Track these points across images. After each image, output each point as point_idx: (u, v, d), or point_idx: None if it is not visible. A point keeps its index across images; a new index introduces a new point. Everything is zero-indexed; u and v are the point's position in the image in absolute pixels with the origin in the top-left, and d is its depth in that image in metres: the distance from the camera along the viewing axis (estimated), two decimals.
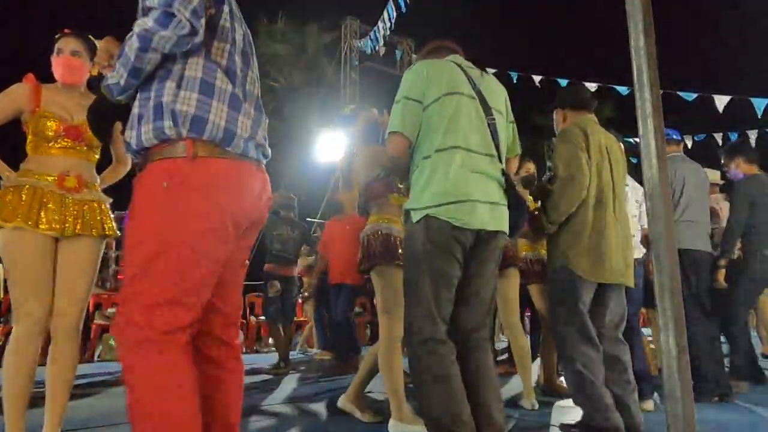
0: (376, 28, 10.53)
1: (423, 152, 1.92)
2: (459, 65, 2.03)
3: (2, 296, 6.04)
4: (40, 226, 2.07)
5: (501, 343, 6.09)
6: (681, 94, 7.99)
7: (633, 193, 3.31)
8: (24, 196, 2.08)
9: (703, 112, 8.00)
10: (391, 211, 2.74)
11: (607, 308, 2.53)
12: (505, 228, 1.96)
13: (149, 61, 1.32)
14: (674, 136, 3.77)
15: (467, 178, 1.86)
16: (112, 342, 6.08)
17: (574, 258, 2.45)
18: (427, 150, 1.90)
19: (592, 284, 2.45)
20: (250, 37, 1.57)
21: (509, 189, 2.00)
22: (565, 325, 2.45)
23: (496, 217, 1.91)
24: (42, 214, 2.08)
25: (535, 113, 18.85)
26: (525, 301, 3.76)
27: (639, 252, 3.24)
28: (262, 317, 9.16)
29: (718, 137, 9.22)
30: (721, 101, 7.69)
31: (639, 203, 3.27)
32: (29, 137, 2.20)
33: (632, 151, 3.97)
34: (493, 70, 9.18)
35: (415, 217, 1.88)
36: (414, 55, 11.97)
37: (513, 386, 3.91)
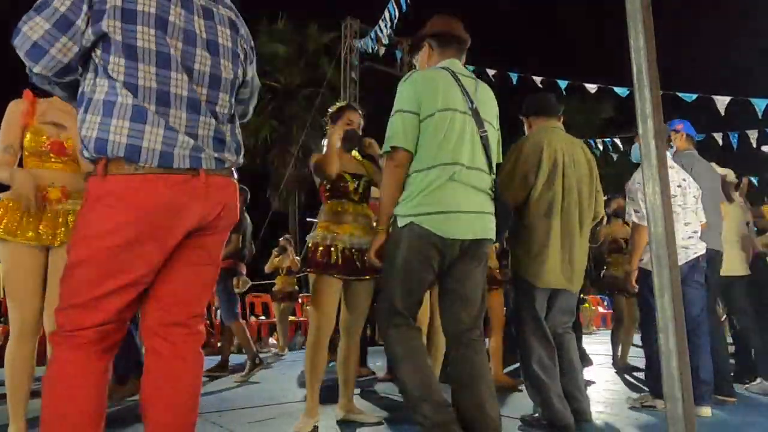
0: (376, 28, 10.52)
1: (415, 166, 2.02)
2: (454, 75, 2.09)
3: (2, 297, 6.04)
4: (28, 235, 2.16)
5: None
6: (681, 94, 7.99)
7: (690, 189, 3.26)
8: (12, 210, 2.18)
9: (703, 112, 8.00)
10: (342, 219, 2.70)
11: (556, 308, 2.76)
12: (491, 235, 2.08)
13: (59, 90, 1.49)
14: (688, 132, 3.69)
15: (455, 192, 1.99)
16: None
17: (526, 267, 2.67)
18: (419, 164, 2.01)
19: (543, 290, 2.66)
20: (196, 26, 1.47)
21: (496, 198, 2.13)
22: (524, 330, 2.67)
23: (480, 226, 2.04)
24: (30, 227, 2.17)
25: None
26: None
27: (702, 247, 3.21)
28: (263, 317, 9.20)
29: (718, 137, 9.21)
30: (721, 101, 7.69)
31: (696, 198, 3.24)
32: (24, 152, 2.28)
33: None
34: (493, 71, 9.20)
35: (401, 222, 2.00)
36: None
37: None
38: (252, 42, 1.69)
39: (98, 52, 1.37)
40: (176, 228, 1.40)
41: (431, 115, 1.98)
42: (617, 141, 10.55)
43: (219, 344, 8.62)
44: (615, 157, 11.28)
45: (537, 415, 2.68)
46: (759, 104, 7.43)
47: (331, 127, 2.80)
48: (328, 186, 2.72)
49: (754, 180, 7.54)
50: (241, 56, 1.60)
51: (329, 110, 2.90)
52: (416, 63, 2.35)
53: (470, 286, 2.06)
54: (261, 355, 6.87)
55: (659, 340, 1.07)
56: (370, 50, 11.39)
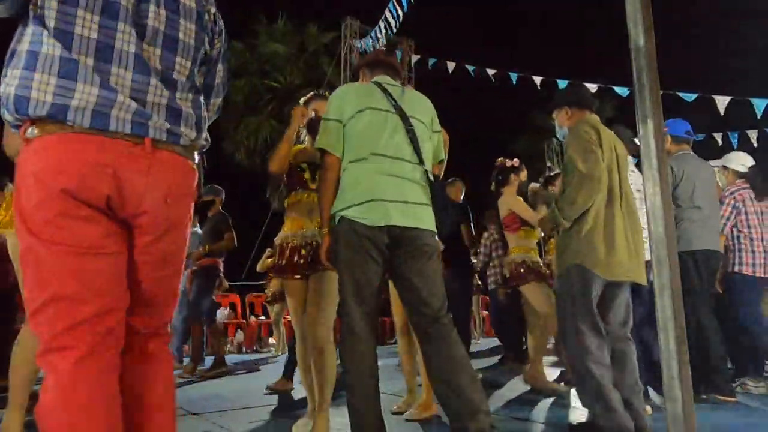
0: (376, 28, 10.52)
1: (343, 164, 2.14)
2: (379, 84, 2.22)
3: None
4: None
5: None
6: (681, 94, 8.00)
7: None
8: None
9: (703, 112, 8.00)
10: (296, 212, 2.59)
11: (614, 306, 2.55)
12: (425, 225, 2.09)
13: None
14: (682, 133, 3.69)
15: (378, 181, 2.05)
16: None
17: (587, 256, 2.45)
18: (345, 162, 2.12)
19: (602, 281, 2.45)
20: None
21: (434, 191, 2.16)
22: (578, 323, 2.43)
23: (409, 215, 2.06)
24: None
25: (535, 113, 18.88)
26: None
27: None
28: (262, 317, 9.21)
29: (718, 137, 9.21)
30: (721, 101, 7.69)
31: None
32: None
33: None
34: (493, 71, 9.21)
35: (334, 221, 2.09)
36: (414, 55, 11.96)
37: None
38: (218, 15, 1.48)
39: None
40: (118, 195, 1.19)
41: (352, 117, 2.12)
42: None
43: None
44: None
45: (588, 420, 2.44)
46: (759, 104, 7.44)
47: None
48: (288, 179, 2.62)
49: None
50: (208, 22, 1.41)
51: (300, 100, 2.78)
52: None
53: (417, 278, 2.05)
54: (261, 355, 6.84)
55: (659, 340, 1.07)
56: (371, 50, 11.37)
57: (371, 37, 11.11)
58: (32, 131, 1.16)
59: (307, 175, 2.61)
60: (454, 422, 1.95)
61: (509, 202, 3.96)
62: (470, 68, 9.43)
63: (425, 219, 2.10)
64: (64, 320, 1.14)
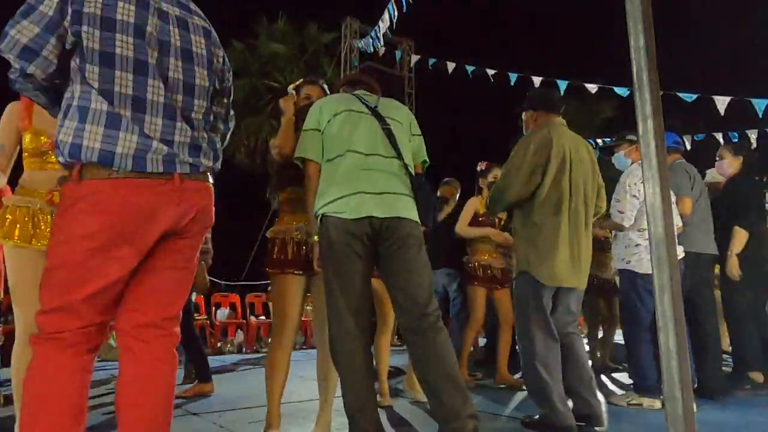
0: (376, 28, 10.52)
1: (323, 165, 2.18)
2: (356, 95, 2.30)
3: (2, 296, 6.04)
4: (34, 243, 2.18)
5: None
6: (681, 94, 7.99)
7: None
8: (20, 215, 2.21)
9: (703, 113, 8.00)
10: (296, 208, 2.48)
11: (559, 308, 2.72)
12: (406, 214, 2.08)
13: (39, 97, 1.53)
14: (671, 144, 3.76)
15: (354, 176, 2.09)
16: (112, 341, 6.08)
17: (533, 264, 2.63)
18: (323, 162, 2.18)
19: (547, 287, 2.62)
20: (172, 36, 1.51)
21: (417, 184, 2.19)
22: (529, 326, 2.61)
23: (388, 204, 2.06)
24: (36, 231, 2.20)
25: None
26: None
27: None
28: (262, 317, 9.20)
29: (719, 137, 9.21)
30: (721, 102, 7.69)
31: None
32: (23, 153, 2.29)
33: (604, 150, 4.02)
34: (493, 71, 9.20)
35: (318, 220, 2.11)
36: (414, 55, 11.94)
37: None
38: (223, 51, 1.71)
39: (77, 59, 1.40)
40: (150, 231, 1.43)
41: (329, 121, 2.18)
42: None
43: (218, 344, 8.65)
44: None
45: (538, 417, 2.63)
46: (759, 104, 7.44)
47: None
48: (284, 172, 2.50)
49: None
50: (216, 64, 1.64)
51: (289, 88, 2.69)
52: None
53: (402, 271, 2.04)
54: (261, 355, 6.85)
55: (659, 340, 1.07)
56: (371, 50, 11.38)
57: (371, 37, 11.10)
58: (82, 174, 1.39)
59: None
60: (439, 423, 1.95)
61: (466, 206, 4.29)
62: (470, 68, 9.43)
63: (405, 208, 2.10)
64: (64, 326, 1.39)
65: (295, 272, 2.39)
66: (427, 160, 2.41)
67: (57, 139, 1.41)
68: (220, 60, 1.66)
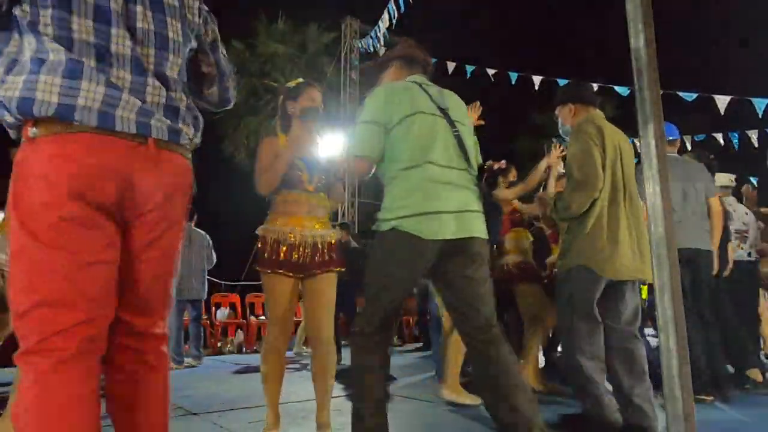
0: (376, 28, 10.53)
1: (391, 172, 2.03)
2: (419, 85, 2.14)
3: None
4: None
5: None
6: (681, 94, 8.00)
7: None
8: None
9: (703, 112, 8.00)
10: (294, 210, 2.44)
11: (622, 304, 2.55)
12: (479, 233, 2.02)
13: None
14: (669, 136, 3.72)
15: (433, 191, 1.97)
16: None
17: (591, 257, 2.46)
18: (395, 169, 2.02)
19: (605, 281, 2.47)
20: None
21: (486, 203, 2.11)
22: (574, 320, 2.47)
23: (464, 225, 1.99)
24: None
25: (535, 113, 18.87)
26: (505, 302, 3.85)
27: None
28: (262, 317, 9.21)
29: (719, 137, 9.21)
30: (721, 101, 7.69)
31: None
32: None
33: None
34: (493, 71, 9.21)
35: (383, 227, 2.00)
36: None
37: None
38: (202, 4, 1.49)
39: (23, 5, 1.18)
40: (126, 198, 1.21)
41: (400, 122, 2.02)
42: None
43: (218, 344, 8.66)
44: None
45: (581, 413, 2.48)
46: (759, 104, 7.44)
47: (291, 104, 2.53)
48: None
49: (753, 180, 7.54)
50: (192, 18, 1.42)
51: (288, 85, 2.62)
52: (381, 82, 2.32)
53: (473, 287, 2.01)
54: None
55: (659, 340, 1.07)
56: (371, 50, 11.38)
57: (371, 37, 11.10)
58: (35, 131, 1.15)
59: (305, 177, 2.48)
60: (507, 429, 1.89)
61: None
62: (470, 68, 9.43)
63: (478, 228, 2.04)
64: (53, 325, 1.13)
65: (287, 274, 2.37)
66: (480, 161, 2.27)
67: (3, 96, 1.16)
68: (195, 12, 1.43)
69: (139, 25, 1.27)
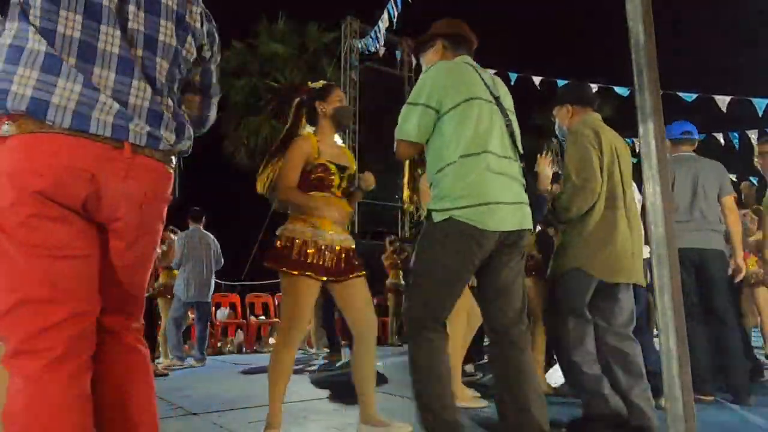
0: (376, 28, 10.53)
1: (446, 158, 1.94)
2: (474, 68, 2.06)
3: None
4: None
5: None
6: (681, 94, 8.00)
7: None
8: None
9: (703, 112, 7.99)
10: (324, 213, 2.42)
11: (618, 306, 2.54)
12: (529, 225, 1.99)
13: None
14: (678, 135, 3.68)
15: (492, 182, 1.91)
16: None
17: (587, 259, 2.46)
18: (451, 156, 1.93)
19: (595, 281, 2.46)
20: None
21: (531, 195, 2.06)
22: (567, 321, 2.47)
23: (518, 217, 1.95)
24: None
25: (535, 113, 18.87)
26: None
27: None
28: (262, 317, 9.21)
29: (719, 137, 9.21)
30: (721, 101, 7.69)
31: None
32: None
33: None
34: (493, 71, 9.20)
35: (437, 217, 1.92)
36: (414, 56, 11.94)
37: None
38: (212, 19, 1.47)
39: None
40: (95, 202, 1.19)
41: (457, 106, 1.93)
42: None
43: (218, 344, 8.66)
44: None
45: (584, 413, 2.46)
46: (759, 104, 7.44)
47: (321, 104, 2.55)
48: (312, 176, 2.45)
49: (753, 180, 7.55)
50: (192, 23, 1.38)
51: (313, 86, 2.63)
52: (423, 62, 2.26)
53: (511, 280, 1.97)
54: (261, 355, 6.82)
55: (659, 340, 1.07)
56: (371, 50, 11.38)
57: (371, 37, 11.10)
58: (7, 128, 1.13)
59: (336, 181, 2.49)
60: None
61: None
62: None
63: (529, 220, 2.01)
64: (37, 323, 1.11)
65: (316, 277, 2.38)
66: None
67: None
68: (196, 18, 1.40)
69: (130, 25, 1.25)
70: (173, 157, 1.36)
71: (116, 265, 1.28)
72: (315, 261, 2.38)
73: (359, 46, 12.31)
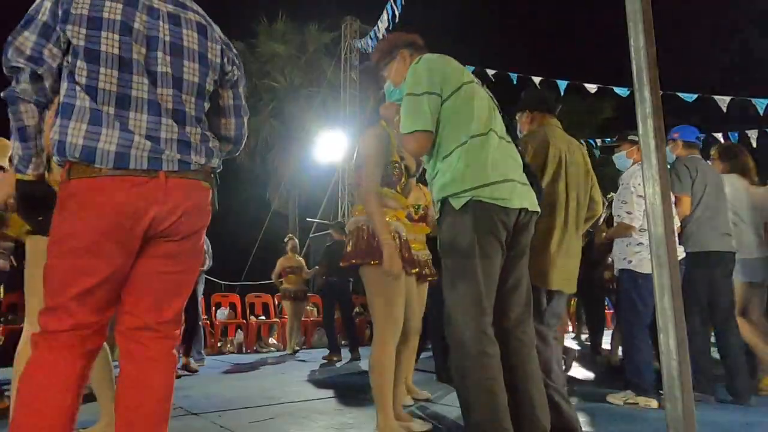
0: (376, 28, 10.53)
1: (455, 140, 1.86)
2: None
3: (2, 296, 6.05)
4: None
5: None
6: (681, 94, 8.00)
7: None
8: None
9: (703, 112, 8.00)
10: (391, 206, 2.45)
11: (549, 312, 2.57)
12: (538, 208, 1.94)
13: (26, 115, 1.45)
14: (693, 139, 3.72)
15: (503, 161, 1.86)
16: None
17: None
18: (460, 137, 1.85)
19: (544, 291, 2.49)
20: (160, 31, 1.50)
21: (529, 176, 2.01)
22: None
23: (530, 198, 1.90)
24: None
25: None
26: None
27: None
28: (262, 317, 9.21)
29: (719, 137, 9.21)
30: (721, 101, 7.70)
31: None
32: None
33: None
34: (493, 71, 9.21)
35: (457, 203, 1.80)
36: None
37: None
38: (223, 45, 1.65)
39: (68, 58, 1.43)
40: (134, 230, 1.43)
41: (458, 90, 1.88)
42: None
43: (218, 344, 8.65)
44: None
45: None
46: (759, 104, 7.45)
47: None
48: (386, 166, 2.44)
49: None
50: (213, 59, 1.59)
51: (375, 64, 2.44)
52: (389, 75, 2.24)
53: (521, 269, 1.91)
54: (261, 355, 6.81)
55: (659, 340, 1.07)
56: (371, 50, 11.37)
57: (371, 37, 11.10)
58: (70, 173, 1.40)
59: (404, 179, 2.48)
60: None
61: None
62: (470, 68, 9.42)
63: (536, 202, 1.95)
64: (55, 327, 1.40)
65: (410, 271, 2.37)
66: None
67: (51, 138, 1.42)
68: (217, 54, 1.61)
69: (159, 69, 1.48)
70: (205, 174, 1.57)
71: (158, 275, 1.50)
72: (403, 255, 2.34)
73: (359, 46, 12.33)
